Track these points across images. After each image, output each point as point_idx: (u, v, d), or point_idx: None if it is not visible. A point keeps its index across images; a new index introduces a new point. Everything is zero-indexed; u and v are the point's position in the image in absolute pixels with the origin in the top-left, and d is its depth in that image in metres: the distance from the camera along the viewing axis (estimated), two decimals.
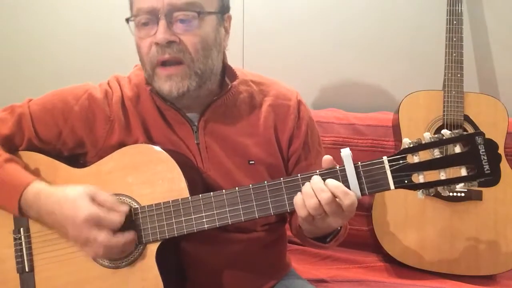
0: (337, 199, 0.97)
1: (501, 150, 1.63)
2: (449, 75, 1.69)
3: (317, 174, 1.00)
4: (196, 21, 1.08)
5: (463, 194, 1.62)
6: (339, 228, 1.14)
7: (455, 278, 1.59)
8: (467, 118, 1.66)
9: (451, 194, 1.62)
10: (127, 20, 1.12)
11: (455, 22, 1.71)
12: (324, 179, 0.98)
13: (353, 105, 2.00)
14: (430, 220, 1.64)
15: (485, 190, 1.63)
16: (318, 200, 0.97)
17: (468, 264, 1.62)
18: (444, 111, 1.67)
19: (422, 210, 1.64)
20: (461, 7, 1.72)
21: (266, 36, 2.04)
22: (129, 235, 1.06)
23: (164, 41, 1.06)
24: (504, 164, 1.63)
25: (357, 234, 1.75)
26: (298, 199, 1.00)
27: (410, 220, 1.64)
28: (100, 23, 2.08)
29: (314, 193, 0.97)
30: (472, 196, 1.62)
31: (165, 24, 1.06)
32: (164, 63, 1.09)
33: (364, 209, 1.74)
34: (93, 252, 1.05)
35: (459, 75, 1.68)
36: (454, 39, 1.70)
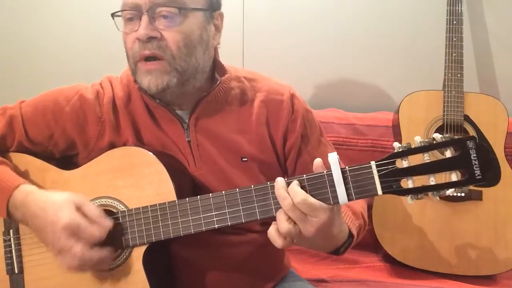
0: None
1: (501, 150, 1.64)
2: (449, 75, 1.69)
3: (304, 179, 0.97)
4: (179, 18, 1.08)
5: (463, 194, 1.62)
6: (351, 237, 1.10)
7: (455, 278, 1.59)
8: (467, 118, 1.66)
9: (451, 194, 1.62)
10: (113, 15, 1.12)
11: (455, 22, 1.71)
12: (313, 194, 0.95)
13: (353, 105, 2.00)
14: (430, 220, 1.64)
15: (485, 190, 1.63)
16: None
17: (468, 264, 1.62)
18: (444, 111, 1.67)
19: (422, 210, 1.64)
20: (461, 7, 1.72)
21: (266, 35, 2.04)
22: (105, 252, 1.03)
23: (145, 37, 1.06)
24: (504, 164, 1.63)
25: None
26: (272, 230, 0.97)
27: (410, 220, 1.64)
28: (100, 24, 2.07)
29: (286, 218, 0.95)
30: (472, 196, 1.62)
31: (147, 19, 1.06)
32: (146, 59, 1.09)
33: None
34: (66, 263, 1.01)
35: (459, 75, 1.68)
36: (454, 39, 1.70)
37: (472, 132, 1.65)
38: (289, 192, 0.95)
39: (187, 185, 1.13)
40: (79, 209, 1.03)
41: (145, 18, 1.07)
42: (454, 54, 1.69)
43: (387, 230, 1.65)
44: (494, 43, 1.96)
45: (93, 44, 2.09)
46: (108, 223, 1.04)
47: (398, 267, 1.65)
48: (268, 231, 0.98)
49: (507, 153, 1.68)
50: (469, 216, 1.63)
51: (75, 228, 1.00)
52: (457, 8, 1.72)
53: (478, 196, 1.63)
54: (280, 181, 0.97)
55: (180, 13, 1.07)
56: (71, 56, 2.10)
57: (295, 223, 0.95)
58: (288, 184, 0.97)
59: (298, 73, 2.03)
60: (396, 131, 1.75)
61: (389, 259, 1.67)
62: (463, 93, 1.68)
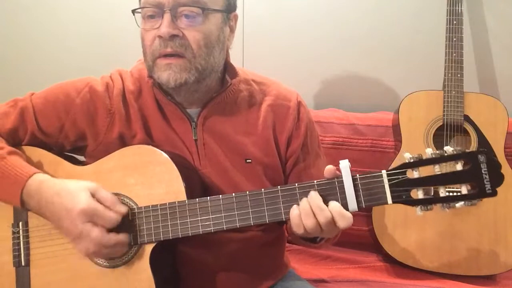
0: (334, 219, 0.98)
1: (501, 150, 1.64)
2: (449, 75, 1.69)
3: (314, 184, 1.00)
4: (200, 18, 1.09)
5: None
6: None
7: (455, 278, 1.59)
8: (467, 118, 1.66)
9: (451, 194, 1.62)
10: (133, 11, 1.13)
11: (455, 22, 1.71)
12: (325, 200, 0.99)
13: (353, 105, 2.00)
14: (430, 220, 1.64)
15: None
16: (317, 220, 0.98)
17: (468, 264, 1.62)
18: (444, 111, 1.67)
19: None
20: (461, 7, 1.72)
21: (266, 36, 2.04)
22: (122, 237, 1.05)
23: (167, 35, 1.08)
24: (504, 164, 1.63)
25: (357, 234, 1.75)
26: (295, 216, 1.00)
27: (410, 220, 1.64)
28: (100, 24, 2.08)
29: (312, 212, 0.98)
30: None
31: (169, 18, 1.08)
32: (165, 55, 1.10)
33: (364, 209, 1.73)
34: (84, 247, 1.04)
35: (459, 75, 1.68)
36: (454, 39, 1.70)
37: (472, 132, 1.65)
38: (329, 207, 0.98)
39: (196, 185, 1.14)
40: (94, 195, 1.05)
41: (167, 16, 1.08)
42: (454, 54, 1.69)
43: (387, 230, 1.65)
44: (494, 43, 1.96)
45: (93, 44, 2.09)
46: (123, 208, 1.06)
47: (398, 267, 1.65)
48: (291, 214, 1.01)
49: (507, 153, 1.68)
50: (469, 216, 1.63)
51: (92, 213, 1.02)
52: (457, 8, 1.72)
53: None
54: (315, 194, 1.00)
55: (203, 13, 1.09)
56: (71, 56, 2.11)
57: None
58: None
59: (298, 73, 2.03)
60: (396, 131, 1.75)
61: (389, 259, 1.67)
62: (463, 93, 1.67)
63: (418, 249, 1.63)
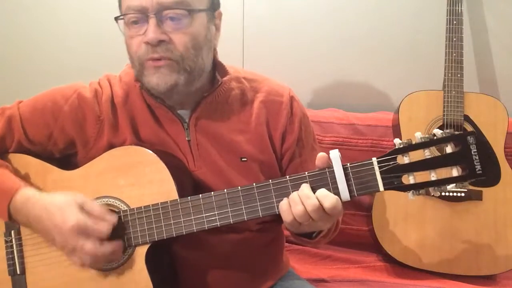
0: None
1: (501, 150, 1.64)
2: (449, 75, 1.69)
3: (305, 176, 0.99)
4: (186, 20, 1.07)
5: (463, 194, 1.62)
6: None
7: (455, 278, 1.59)
8: (467, 118, 1.66)
9: (451, 194, 1.62)
10: (116, 18, 1.11)
11: (455, 22, 1.71)
12: (312, 188, 0.98)
13: (353, 105, 2.00)
14: (430, 220, 1.64)
15: (485, 190, 1.63)
16: (304, 207, 0.97)
17: (468, 264, 1.62)
18: (444, 111, 1.67)
19: (422, 210, 1.64)
20: (461, 7, 1.72)
21: (266, 36, 2.04)
22: (116, 244, 1.04)
23: (155, 41, 1.05)
24: (504, 164, 1.63)
25: (357, 234, 1.75)
26: (284, 204, 1.00)
27: (410, 220, 1.64)
28: (100, 24, 2.07)
29: (300, 200, 0.97)
30: (472, 196, 1.62)
31: (155, 22, 1.05)
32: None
33: (364, 209, 1.74)
34: (80, 260, 1.03)
35: (459, 75, 1.68)
36: (454, 39, 1.70)
37: None
38: (317, 197, 0.97)
39: (187, 184, 1.13)
40: (82, 208, 1.04)
41: (153, 21, 1.05)
42: (454, 54, 1.69)
43: (387, 230, 1.65)
44: (494, 43, 1.96)
45: (92, 44, 2.09)
46: (113, 218, 1.05)
47: (398, 267, 1.65)
48: (281, 203, 1.00)
49: (507, 153, 1.68)
50: (469, 216, 1.63)
51: (83, 228, 1.02)
52: (457, 8, 1.72)
53: (478, 196, 1.63)
54: (304, 186, 0.99)
55: (189, 15, 1.07)
56: (71, 56, 2.10)
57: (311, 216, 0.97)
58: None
59: (298, 73, 2.03)
60: (396, 131, 1.75)
61: (389, 259, 1.67)
62: (463, 93, 1.67)
63: (418, 249, 1.63)
